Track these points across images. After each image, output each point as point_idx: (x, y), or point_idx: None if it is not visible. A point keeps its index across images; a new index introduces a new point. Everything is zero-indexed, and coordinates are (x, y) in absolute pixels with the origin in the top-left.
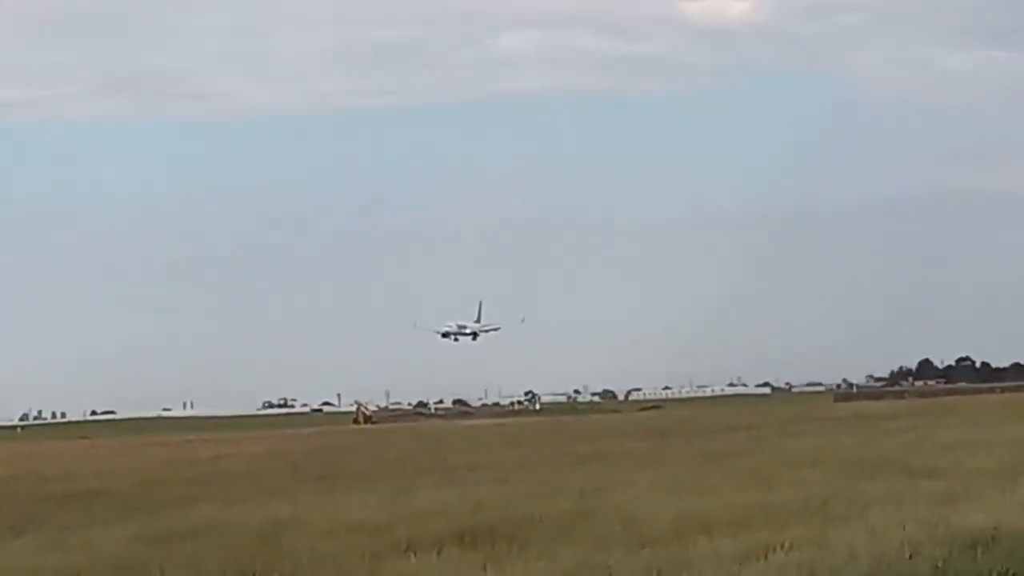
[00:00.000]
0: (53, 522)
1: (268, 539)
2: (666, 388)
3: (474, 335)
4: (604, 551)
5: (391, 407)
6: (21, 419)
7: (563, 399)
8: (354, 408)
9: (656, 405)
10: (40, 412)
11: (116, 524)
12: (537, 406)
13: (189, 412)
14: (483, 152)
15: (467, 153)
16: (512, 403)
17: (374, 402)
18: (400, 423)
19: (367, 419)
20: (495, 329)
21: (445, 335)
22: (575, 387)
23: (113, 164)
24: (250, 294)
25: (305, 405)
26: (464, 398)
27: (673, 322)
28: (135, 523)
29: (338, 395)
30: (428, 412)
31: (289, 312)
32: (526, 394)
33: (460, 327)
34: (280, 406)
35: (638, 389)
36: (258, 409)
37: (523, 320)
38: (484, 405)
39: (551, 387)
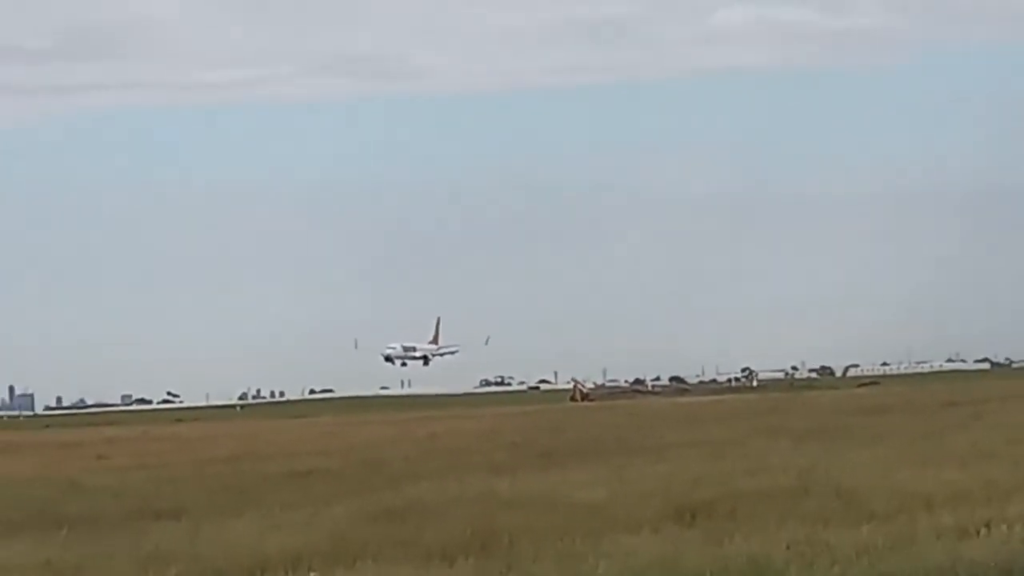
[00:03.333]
0: (273, 501)
1: (486, 516)
2: (884, 364)
3: (425, 359)
4: (824, 527)
5: (608, 384)
6: (240, 398)
7: (780, 376)
8: (571, 385)
9: (874, 381)
10: (259, 391)
11: (334, 502)
12: (754, 383)
13: (407, 390)
14: (693, 127)
15: (677, 128)
16: (729, 380)
17: (591, 379)
18: (617, 400)
19: (584, 396)
20: (452, 352)
21: (388, 359)
22: (792, 363)
23: (319, 143)
24: (457, 271)
25: (522, 383)
26: (681, 375)
27: (891, 297)
28: (353, 501)
29: (555, 372)
30: (645, 389)
31: (503, 290)
32: (743, 371)
33: (407, 349)
34: (497, 384)
35: (856, 365)
36: (475, 387)
37: (487, 341)
38: (701, 382)
39: (768, 364)
